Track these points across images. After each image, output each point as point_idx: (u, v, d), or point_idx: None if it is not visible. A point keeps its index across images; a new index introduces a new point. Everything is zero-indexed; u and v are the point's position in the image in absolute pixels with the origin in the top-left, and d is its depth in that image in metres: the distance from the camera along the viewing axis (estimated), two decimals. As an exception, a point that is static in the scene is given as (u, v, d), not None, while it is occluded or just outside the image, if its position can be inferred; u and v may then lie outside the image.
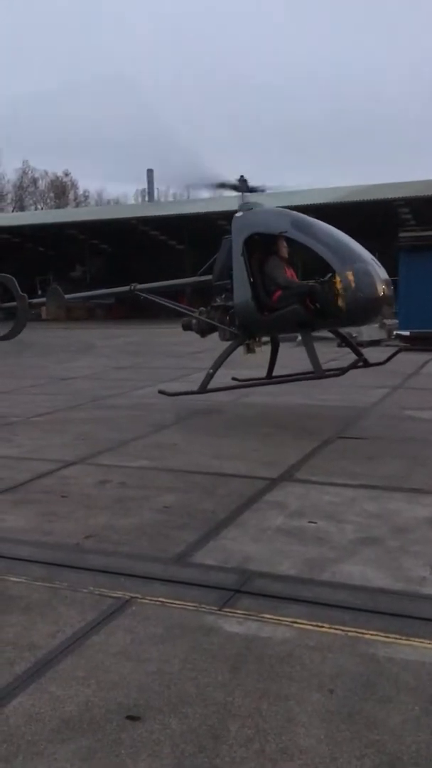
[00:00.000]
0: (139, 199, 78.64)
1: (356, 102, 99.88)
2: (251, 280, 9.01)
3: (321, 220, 9.20)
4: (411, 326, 20.02)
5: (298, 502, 5.48)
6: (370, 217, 34.95)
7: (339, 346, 12.75)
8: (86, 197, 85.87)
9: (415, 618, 3.56)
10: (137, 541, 4.74)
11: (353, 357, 9.53)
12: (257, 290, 9.03)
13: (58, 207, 79.62)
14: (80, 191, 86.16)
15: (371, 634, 3.39)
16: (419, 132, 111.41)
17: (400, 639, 3.34)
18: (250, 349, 9.76)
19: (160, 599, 3.83)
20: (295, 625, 3.51)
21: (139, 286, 10.49)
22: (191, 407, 10.06)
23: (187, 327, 10.22)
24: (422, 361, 15.90)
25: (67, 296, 11.23)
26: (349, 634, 3.41)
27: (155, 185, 72.47)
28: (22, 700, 2.92)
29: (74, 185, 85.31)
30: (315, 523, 4.98)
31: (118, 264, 46.09)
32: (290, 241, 9.14)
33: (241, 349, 9.69)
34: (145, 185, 74.08)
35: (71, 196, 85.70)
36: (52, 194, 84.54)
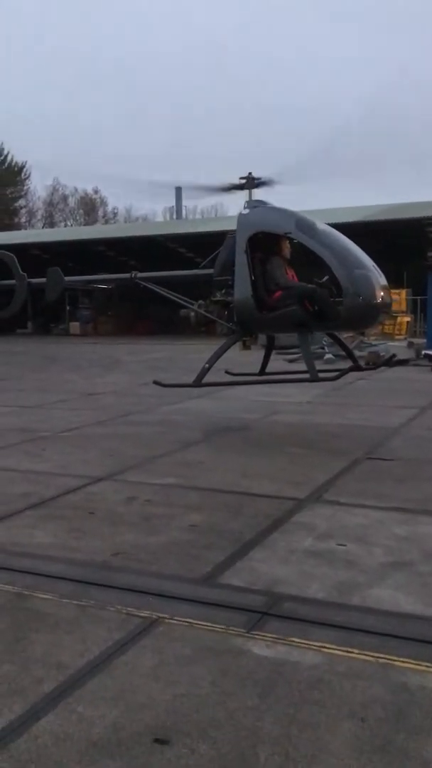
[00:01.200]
0: (167, 217, 79.26)
1: (383, 120, 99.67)
2: (252, 278, 9.10)
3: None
4: (440, 346, 19.86)
5: (327, 523, 5.43)
6: (399, 237, 34.77)
7: (367, 365, 12.71)
8: (115, 214, 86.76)
9: (447, 646, 3.49)
10: (164, 560, 4.72)
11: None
12: (258, 288, 9.11)
13: (87, 224, 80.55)
14: (109, 208, 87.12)
15: (402, 662, 3.33)
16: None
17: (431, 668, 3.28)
18: (246, 346, 9.90)
19: (188, 620, 3.80)
20: (324, 650, 3.46)
21: (140, 275, 10.62)
22: (218, 424, 10.06)
23: (186, 318, 10.47)
24: (451, 381, 15.73)
25: (66, 278, 11.35)
26: (380, 660, 3.35)
27: (183, 203, 73.03)
28: (50, 719, 2.92)
29: (103, 202, 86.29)
30: (344, 545, 4.93)
31: (145, 280, 46.25)
32: (294, 242, 9.19)
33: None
34: (173, 203, 74.67)
35: (100, 212, 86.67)
36: (81, 211, 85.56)
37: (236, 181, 9.92)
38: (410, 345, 21.48)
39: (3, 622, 3.80)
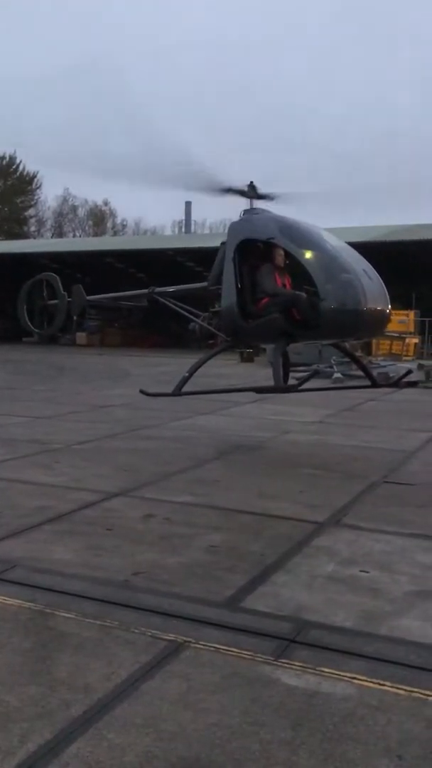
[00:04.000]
0: (176, 230, 79.64)
1: (400, 142, 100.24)
2: (239, 286, 8.93)
3: None
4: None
5: (348, 549, 5.37)
6: (408, 259, 34.82)
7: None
8: (124, 226, 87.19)
9: None
10: (186, 581, 4.66)
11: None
12: (244, 297, 8.93)
13: (96, 235, 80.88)
14: (118, 220, 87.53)
15: (435, 697, 3.26)
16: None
17: (467, 704, 3.21)
18: (245, 358, 9.92)
19: (214, 645, 3.74)
20: (355, 681, 3.40)
21: (157, 289, 10.77)
22: (231, 442, 10.01)
23: (192, 331, 10.67)
24: (462, 405, 15.67)
25: (88, 297, 11.54)
26: (413, 694, 3.29)
27: (192, 217, 73.43)
28: (80, 746, 2.85)
29: (113, 214, 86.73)
30: (367, 572, 4.87)
31: (154, 293, 46.39)
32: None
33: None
34: (182, 216, 75.06)
35: (109, 224, 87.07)
36: (90, 222, 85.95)
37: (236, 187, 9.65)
38: (420, 367, 21.41)
39: (27, 641, 3.75)
